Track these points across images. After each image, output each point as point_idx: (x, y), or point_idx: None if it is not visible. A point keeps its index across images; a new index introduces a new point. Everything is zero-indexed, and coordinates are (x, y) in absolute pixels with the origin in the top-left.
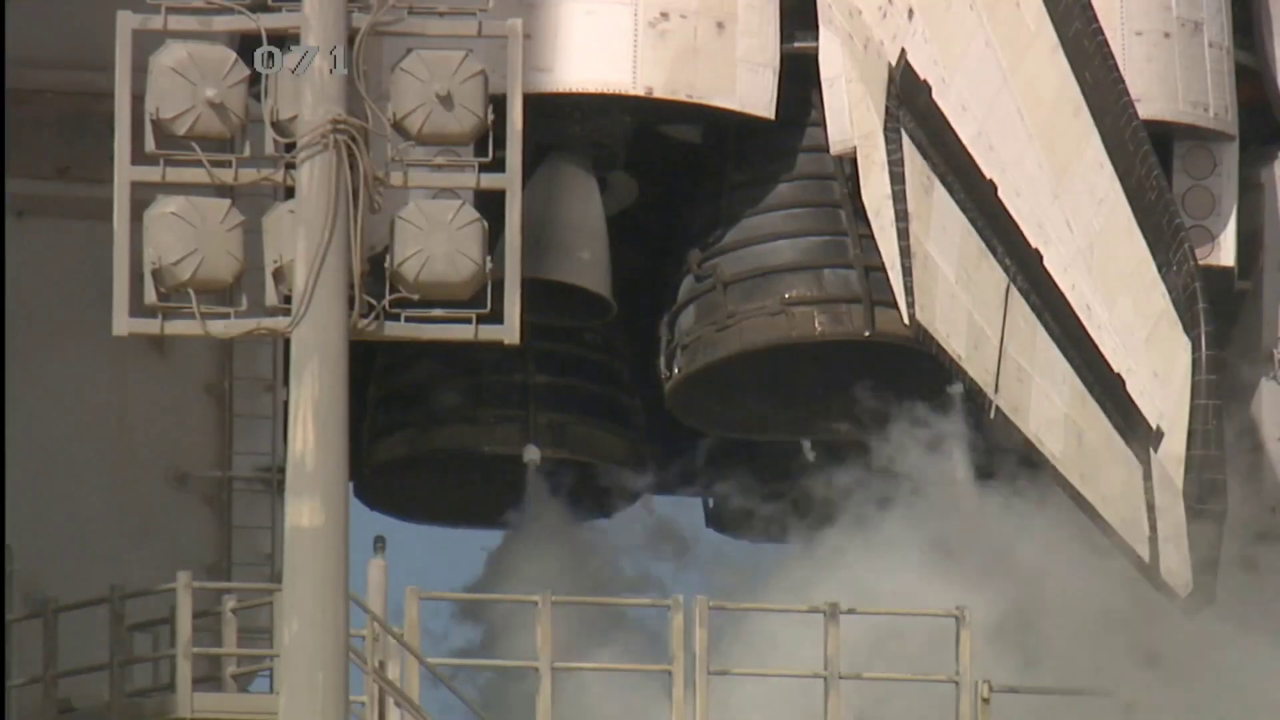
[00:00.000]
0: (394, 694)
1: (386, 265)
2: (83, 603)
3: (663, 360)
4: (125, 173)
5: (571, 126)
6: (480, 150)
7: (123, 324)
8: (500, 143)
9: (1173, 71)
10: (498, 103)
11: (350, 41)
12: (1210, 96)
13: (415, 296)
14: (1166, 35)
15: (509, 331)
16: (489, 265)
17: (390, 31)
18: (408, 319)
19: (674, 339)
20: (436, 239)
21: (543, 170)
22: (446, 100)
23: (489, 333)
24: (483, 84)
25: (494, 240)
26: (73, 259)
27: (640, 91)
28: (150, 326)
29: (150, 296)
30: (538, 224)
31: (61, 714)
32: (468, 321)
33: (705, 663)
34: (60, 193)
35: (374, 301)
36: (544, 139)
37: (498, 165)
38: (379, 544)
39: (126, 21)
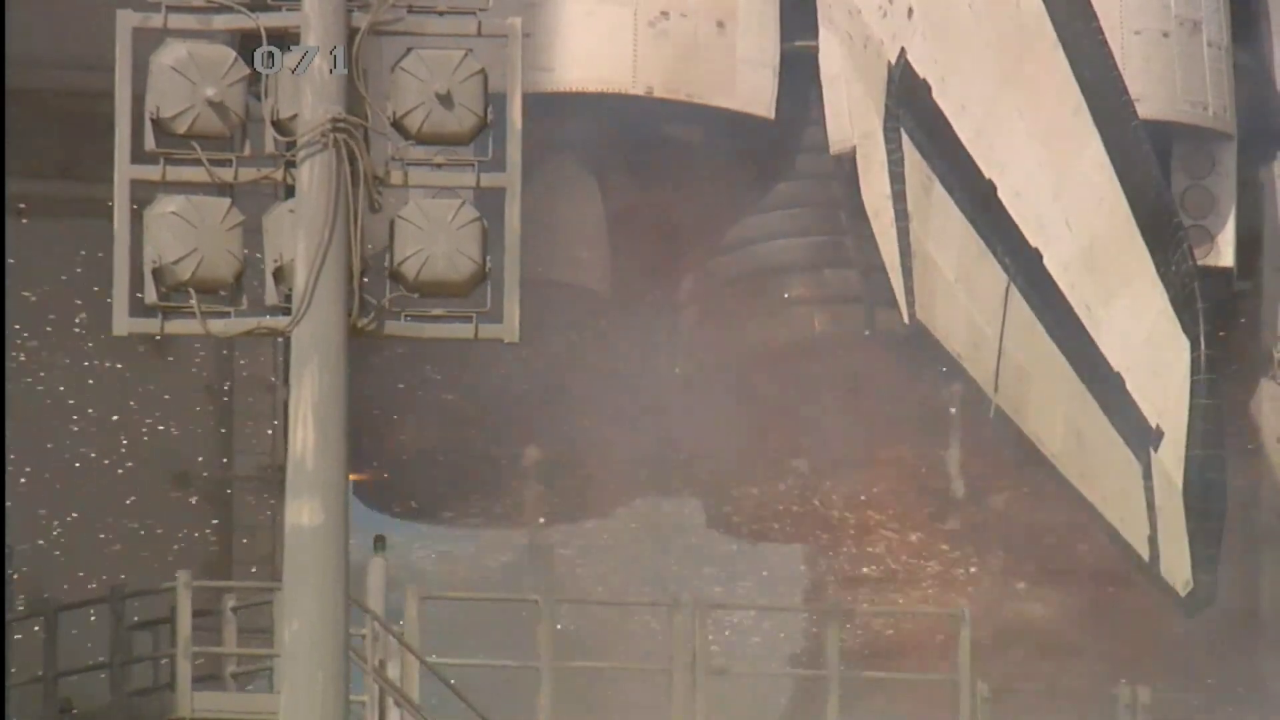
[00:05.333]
0: (394, 694)
1: (386, 264)
2: (83, 602)
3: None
4: (125, 172)
5: (572, 126)
6: (480, 149)
7: (123, 324)
8: (500, 142)
9: (1172, 71)
10: (498, 101)
11: (350, 41)
12: (1209, 96)
13: (415, 295)
14: (1165, 34)
15: (509, 331)
16: (488, 264)
17: (390, 31)
18: (408, 318)
19: (674, 339)
20: (436, 238)
21: (543, 170)
22: (446, 99)
23: (489, 332)
24: (482, 83)
25: (493, 239)
26: (73, 259)
27: (640, 91)
28: (150, 326)
29: (150, 296)
30: (537, 223)
31: (61, 714)
32: (468, 320)
33: (705, 663)
34: (60, 192)
35: (374, 301)
36: (544, 139)
37: (497, 164)
38: (379, 544)
39: (126, 20)
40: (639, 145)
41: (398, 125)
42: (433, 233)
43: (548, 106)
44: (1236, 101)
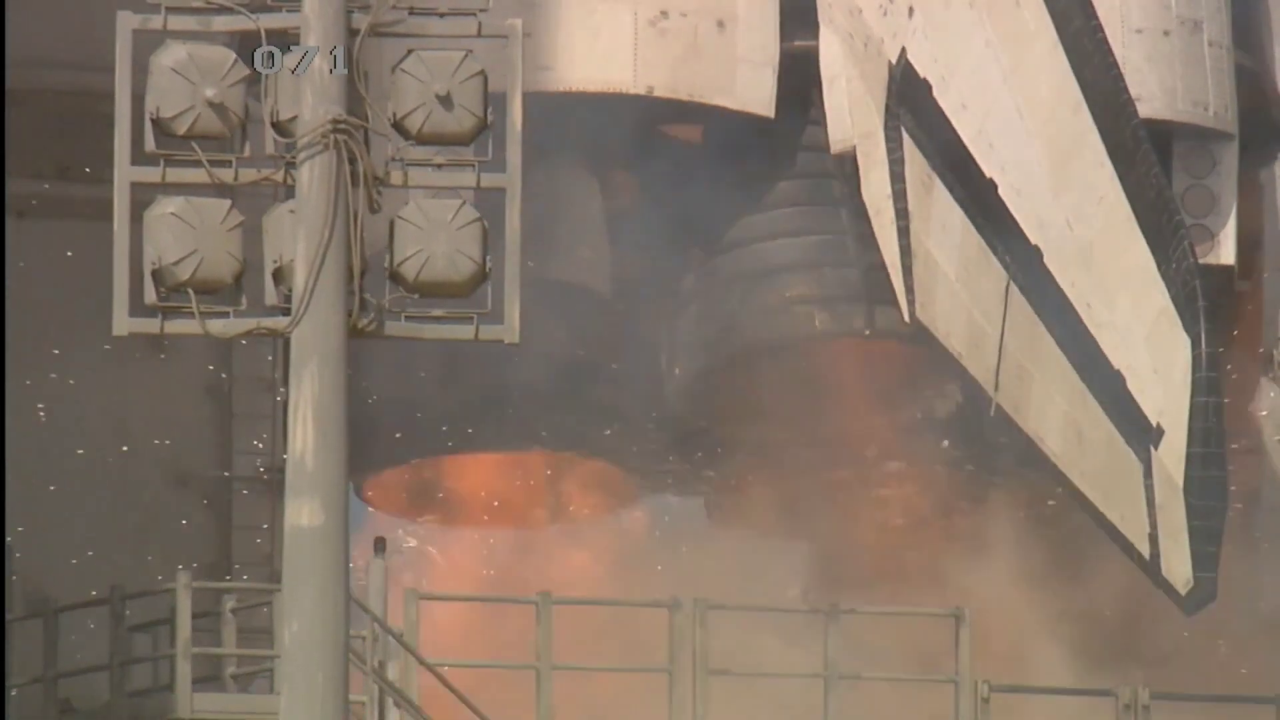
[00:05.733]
0: (394, 694)
1: (386, 265)
2: (83, 603)
3: (664, 360)
4: (125, 173)
5: (571, 126)
6: (480, 150)
7: (123, 324)
8: (500, 142)
9: (1172, 70)
10: (498, 102)
11: (350, 42)
12: (1210, 95)
13: (415, 296)
14: (1166, 34)
15: (509, 331)
16: (489, 265)
17: (391, 33)
18: (408, 319)
19: (675, 338)
20: (436, 238)
21: (543, 170)
22: (446, 100)
23: (490, 332)
24: (482, 84)
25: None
26: (73, 259)
27: (641, 90)
28: (150, 326)
29: (150, 296)
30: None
31: (61, 714)
32: (468, 321)
33: (705, 663)
34: (60, 193)
35: (374, 301)
36: (544, 138)
37: (497, 165)
38: (379, 545)
39: (126, 21)
40: (639, 145)
41: (398, 126)
42: (433, 233)
43: (548, 106)
44: (1237, 101)
